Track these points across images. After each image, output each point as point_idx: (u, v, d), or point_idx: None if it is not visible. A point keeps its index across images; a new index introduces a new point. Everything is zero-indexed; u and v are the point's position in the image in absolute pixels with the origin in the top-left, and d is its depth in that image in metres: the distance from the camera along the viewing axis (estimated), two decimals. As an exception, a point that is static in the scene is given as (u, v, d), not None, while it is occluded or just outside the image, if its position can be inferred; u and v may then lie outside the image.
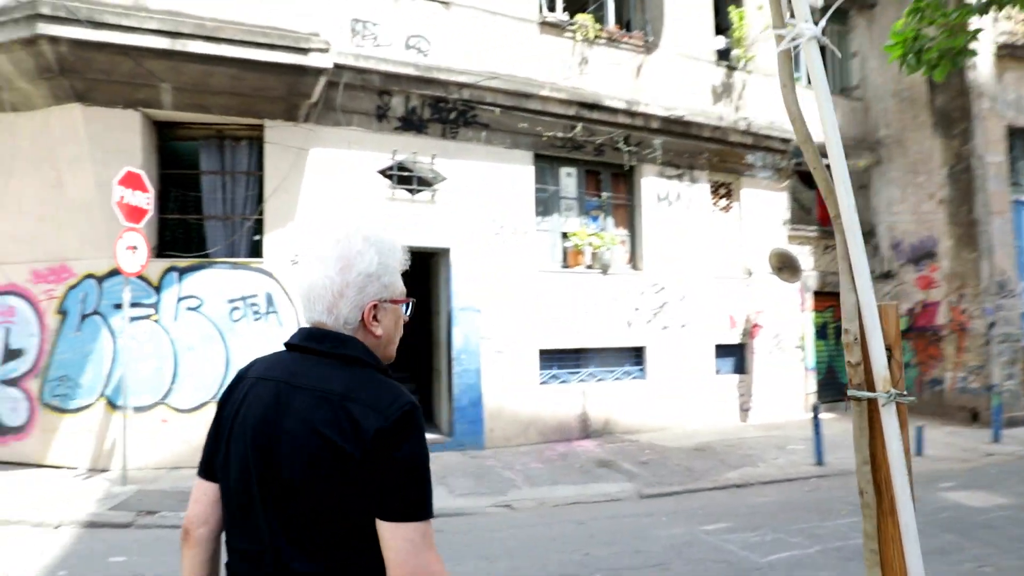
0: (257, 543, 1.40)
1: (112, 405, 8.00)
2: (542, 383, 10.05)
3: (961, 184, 11.89)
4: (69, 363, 8.17)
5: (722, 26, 12.13)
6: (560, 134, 10.20)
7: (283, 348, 1.56)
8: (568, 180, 10.73)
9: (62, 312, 8.26)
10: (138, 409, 8.01)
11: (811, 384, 12.41)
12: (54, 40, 7.23)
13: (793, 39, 1.76)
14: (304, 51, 8.01)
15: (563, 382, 10.26)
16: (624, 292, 10.66)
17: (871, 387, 1.72)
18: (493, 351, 9.64)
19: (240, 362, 6.99)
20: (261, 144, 8.78)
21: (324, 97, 8.72)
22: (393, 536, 1.32)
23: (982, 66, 11.74)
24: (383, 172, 9.19)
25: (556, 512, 6.85)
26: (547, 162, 10.49)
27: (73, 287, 8.26)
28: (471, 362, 9.51)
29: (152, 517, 6.43)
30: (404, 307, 1.62)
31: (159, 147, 8.74)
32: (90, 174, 8.02)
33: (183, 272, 8.36)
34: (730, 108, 11.72)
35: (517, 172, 10.01)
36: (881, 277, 13.39)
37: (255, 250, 8.80)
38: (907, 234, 12.93)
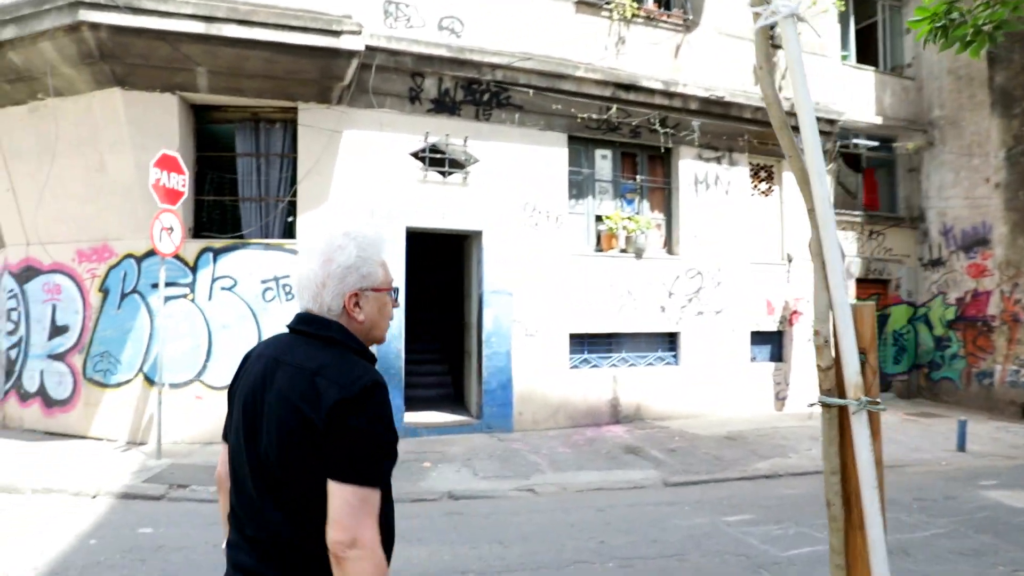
0: (246, 497, 1.63)
1: (149, 381, 8.26)
2: (572, 367, 10.00)
3: (1020, 167, 11.31)
4: (110, 340, 8.46)
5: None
6: (595, 116, 10.04)
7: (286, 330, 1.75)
8: (603, 162, 10.57)
9: (104, 291, 8.54)
10: (174, 386, 8.27)
11: (852, 373, 12.07)
12: (95, 26, 7.42)
13: (770, 16, 1.67)
14: (336, 33, 8.03)
15: (594, 367, 10.19)
16: (658, 277, 10.50)
17: (843, 393, 1.64)
18: (524, 334, 9.62)
19: (269, 342, 7.12)
20: (295, 126, 8.87)
21: (357, 79, 8.74)
22: (335, 494, 1.47)
23: (1046, 42, 11.12)
24: (415, 154, 9.19)
25: (578, 498, 6.83)
26: (581, 144, 10.35)
27: (114, 267, 8.53)
28: (501, 345, 9.51)
29: (183, 491, 6.63)
30: (390, 295, 1.75)
31: (196, 130, 8.91)
32: (130, 157, 8.22)
33: (218, 253, 8.54)
34: (773, 88, 11.33)
35: (551, 154, 9.90)
36: (929, 264, 12.91)
37: (288, 231, 8.93)
38: (959, 220, 12.40)
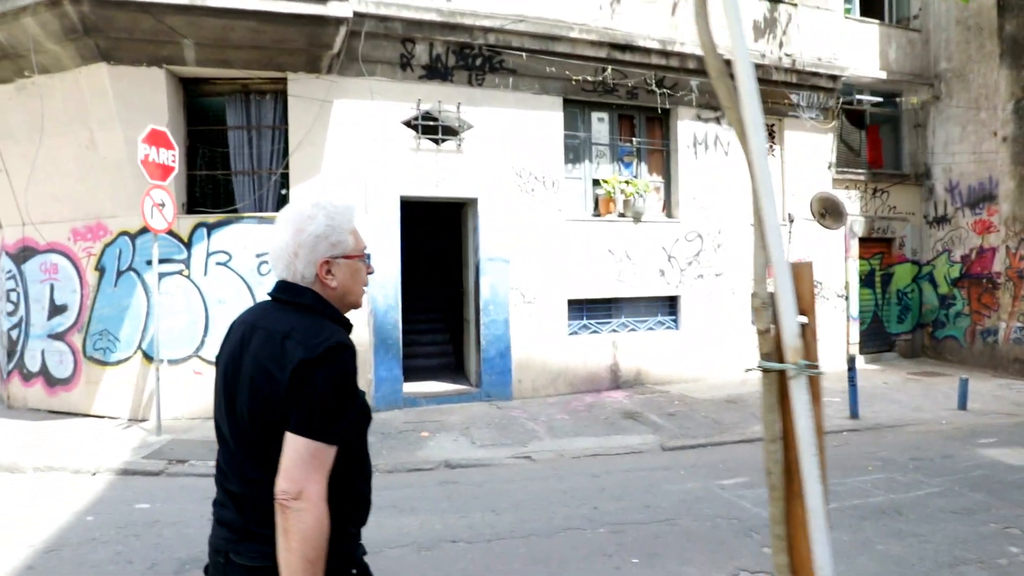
0: (229, 456, 1.70)
1: (148, 358, 8.31)
2: (571, 333, 9.98)
3: (1028, 120, 11.05)
4: (108, 318, 8.50)
5: (767, -44, 11.41)
6: (590, 78, 9.86)
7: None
8: (600, 125, 10.41)
9: (100, 269, 8.55)
10: (173, 362, 8.31)
11: (855, 334, 11.96)
12: (76, 0, 7.29)
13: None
14: (323, 0, 7.87)
15: (593, 332, 10.17)
16: (658, 240, 10.41)
17: (782, 357, 1.59)
18: (521, 301, 9.59)
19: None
20: (285, 98, 8.76)
21: (346, 47, 8.59)
22: (287, 446, 1.53)
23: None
24: (408, 122, 9.07)
25: (574, 464, 6.86)
26: (577, 107, 10.18)
27: (109, 244, 8.53)
28: (499, 312, 9.49)
29: (182, 466, 6.71)
30: (363, 261, 1.81)
31: (186, 104, 8.82)
32: (119, 133, 8.15)
33: (212, 228, 8.51)
34: (773, 44, 11.09)
35: (546, 118, 9.75)
36: (935, 222, 12.73)
37: (282, 204, 8.85)
38: (965, 175, 12.18)
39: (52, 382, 8.76)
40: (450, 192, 9.31)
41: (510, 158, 9.52)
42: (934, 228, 12.75)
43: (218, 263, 8.53)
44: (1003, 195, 11.44)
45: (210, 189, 8.98)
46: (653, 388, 10.13)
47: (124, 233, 8.45)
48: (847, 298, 11.94)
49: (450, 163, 9.27)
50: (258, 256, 8.53)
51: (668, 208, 10.77)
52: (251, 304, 8.03)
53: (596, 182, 10.29)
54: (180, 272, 8.44)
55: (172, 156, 7.71)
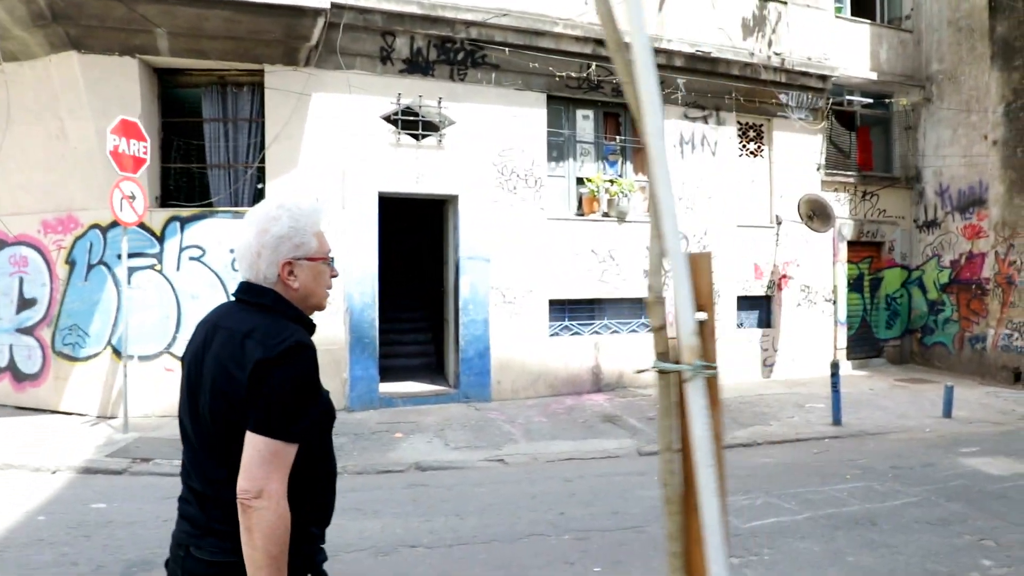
0: (192, 454, 1.72)
1: (118, 354, 8.11)
2: (552, 335, 9.82)
3: (1019, 123, 10.89)
4: (78, 312, 8.31)
5: (757, -46, 11.26)
6: (574, 74, 9.69)
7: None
8: (585, 123, 10.25)
9: (70, 262, 8.37)
10: (143, 358, 8.14)
11: (842, 339, 11.87)
12: (43, -15, 7.12)
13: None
14: (299, -10, 7.71)
15: (575, 334, 10.01)
16: (642, 240, 10.23)
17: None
18: (502, 301, 9.43)
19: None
20: (263, 90, 8.58)
21: (324, 39, 8.43)
22: (248, 445, 1.55)
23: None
24: (387, 117, 8.90)
25: (547, 468, 6.70)
26: (562, 104, 10.01)
27: (80, 237, 8.35)
28: (479, 312, 9.32)
29: (146, 465, 6.53)
30: (326, 264, 1.82)
31: (161, 95, 8.64)
32: (90, 123, 7.97)
33: (185, 222, 8.34)
34: (762, 43, 10.94)
35: (529, 115, 9.59)
36: (924, 226, 12.59)
37: (258, 198, 8.69)
38: (955, 179, 12.04)
39: (20, 377, 8.57)
40: (430, 189, 9.14)
41: (492, 155, 9.36)
42: (924, 232, 12.61)
43: (191, 258, 8.35)
44: (993, 199, 11.30)
45: (185, 182, 8.80)
46: (636, 391, 9.96)
47: (95, 226, 8.27)
48: (835, 302, 11.85)
49: (430, 159, 9.11)
50: (232, 251, 8.29)
51: (653, 207, 10.58)
52: (224, 300, 7.95)
53: (580, 181, 10.13)
54: (152, 267, 8.27)
55: (143, 148, 7.53)
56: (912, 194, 12.85)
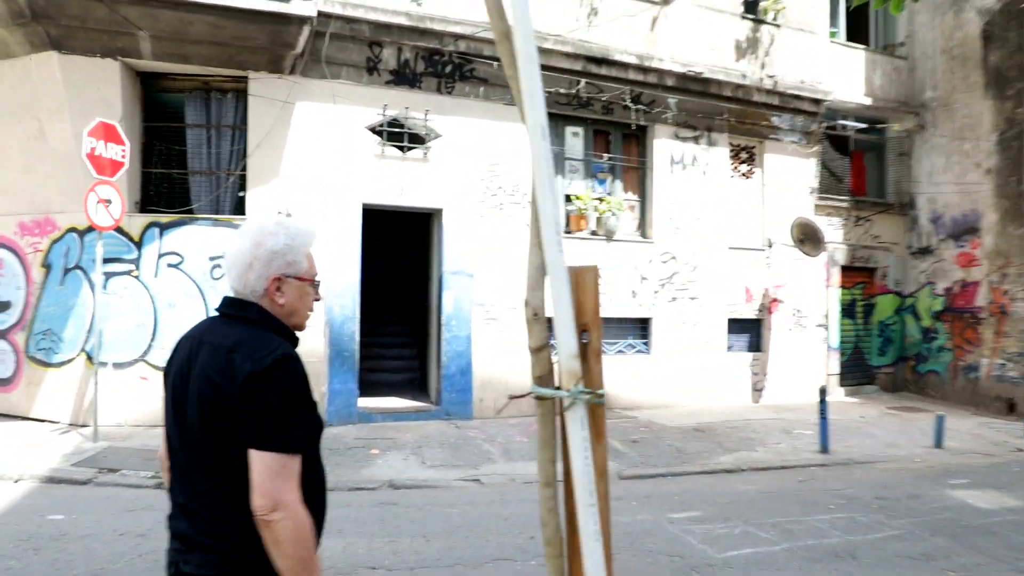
0: (179, 469, 1.73)
1: (92, 360, 7.92)
2: (537, 353, 9.61)
3: (1011, 152, 10.83)
4: (52, 317, 8.14)
5: (752, -24, 11.24)
6: (563, 91, 9.61)
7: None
8: (574, 140, 10.14)
9: (46, 266, 8.21)
10: (118, 365, 7.95)
11: (834, 365, 11.68)
12: (23, -16, 7.03)
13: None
14: (286, -2, 7.63)
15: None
16: (630, 260, 10.10)
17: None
18: (485, 317, 9.25)
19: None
20: (246, 97, 8.47)
21: (310, 48, 8.34)
22: (255, 461, 1.56)
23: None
24: (373, 128, 8.79)
25: (523, 489, 6.47)
26: (551, 120, 9.78)
27: (56, 240, 8.19)
28: (461, 328, 9.14)
29: (112, 475, 6.31)
30: (312, 286, 1.85)
31: (143, 99, 8.52)
32: (69, 125, 7.85)
33: (165, 228, 8.19)
34: (755, 65, 10.88)
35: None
36: (918, 253, 12.46)
37: (239, 207, 8.56)
38: (949, 207, 11.93)
39: (-10, 382, 8.38)
40: (415, 202, 9.01)
41: (478, 169, 9.24)
42: (918, 259, 12.48)
43: (170, 265, 8.19)
44: (986, 228, 11.19)
45: (165, 188, 8.65)
46: (621, 413, 9.76)
47: (72, 229, 8.12)
48: (827, 328, 11.68)
49: (416, 172, 8.98)
50: (212, 259, 8.19)
51: (642, 228, 10.47)
52: (203, 308, 7.72)
53: (568, 198, 10.00)
54: (129, 272, 8.10)
55: (122, 151, 7.40)
56: (906, 220, 12.74)
